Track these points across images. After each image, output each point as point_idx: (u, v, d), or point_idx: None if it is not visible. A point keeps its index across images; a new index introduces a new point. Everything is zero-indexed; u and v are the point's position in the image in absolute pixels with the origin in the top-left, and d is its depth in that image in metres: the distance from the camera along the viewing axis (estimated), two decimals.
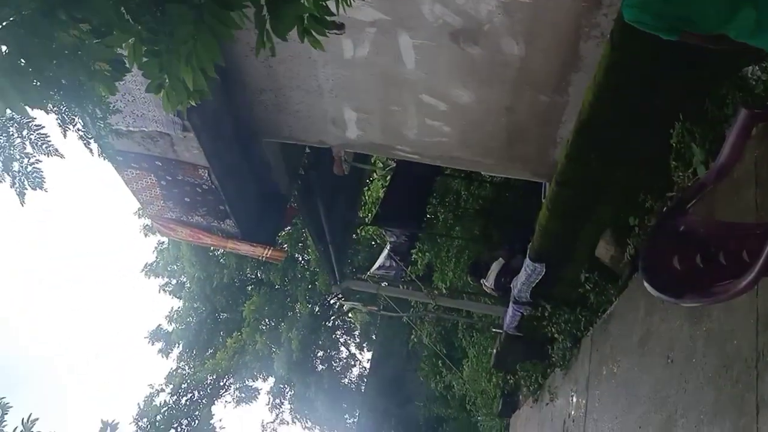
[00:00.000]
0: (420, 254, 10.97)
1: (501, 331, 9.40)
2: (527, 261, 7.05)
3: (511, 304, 8.08)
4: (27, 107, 1.64)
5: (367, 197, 12.50)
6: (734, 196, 3.83)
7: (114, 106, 2.76)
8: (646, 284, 2.42)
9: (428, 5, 4.67)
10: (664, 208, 2.48)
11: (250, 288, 18.43)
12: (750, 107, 2.29)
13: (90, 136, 2.35)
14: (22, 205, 2.18)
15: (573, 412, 7.56)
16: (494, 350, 10.28)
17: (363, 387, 21.72)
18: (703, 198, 2.39)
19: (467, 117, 5.60)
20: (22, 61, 1.53)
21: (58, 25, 1.53)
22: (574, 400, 7.58)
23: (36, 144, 2.17)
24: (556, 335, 7.79)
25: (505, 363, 10.12)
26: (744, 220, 3.58)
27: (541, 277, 7.00)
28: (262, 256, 7.12)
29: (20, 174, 2.15)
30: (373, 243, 14.93)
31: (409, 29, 4.91)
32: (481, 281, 8.53)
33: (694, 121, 4.30)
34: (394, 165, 10.69)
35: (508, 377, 10.81)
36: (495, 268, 8.16)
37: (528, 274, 7.08)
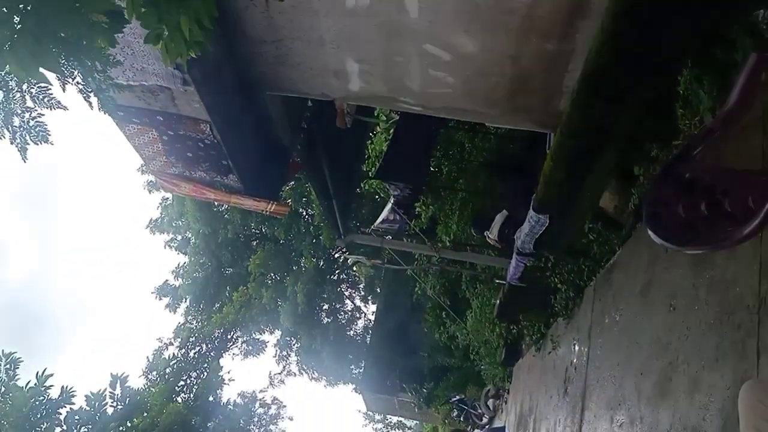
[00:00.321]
0: (424, 207, 10.98)
1: (504, 282, 9.49)
2: (531, 212, 7.04)
3: (514, 255, 8.12)
4: (44, 71, 1.61)
5: (370, 150, 12.44)
6: (742, 143, 3.80)
7: (114, 59, 2.72)
8: (649, 232, 2.42)
9: None
10: (670, 156, 2.46)
11: (254, 243, 18.57)
12: (761, 51, 2.24)
13: (90, 90, 2.32)
14: (24, 161, 2.16)
15: (575, 360, 7.70)
16: (497, 301, 10.40)
17: (368, 339, 22.11)
18: (709, 145, 2.36)
19: (471, 67, 5.51)
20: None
21: None
22: (576, 348, 7.71)
23: (37, 98, 2.14)
24: (559, 285, 7.86)
25: (509, 313, 10.25)
26: (751, 167, 3.55)
27: (544, 228, 7.00)
28: (266, 211, 7.14)
29: (21, 129, 2.12)
30: (376, 196, 14.93)
31: None
32: (485, 233, 8.55)
33: (702, 67, 4.23)
34: (397, 118, 10.60)
35: (512, 327, 10.97)
36: (498, 219, 8.17)
37: (531, 225, 7.09)
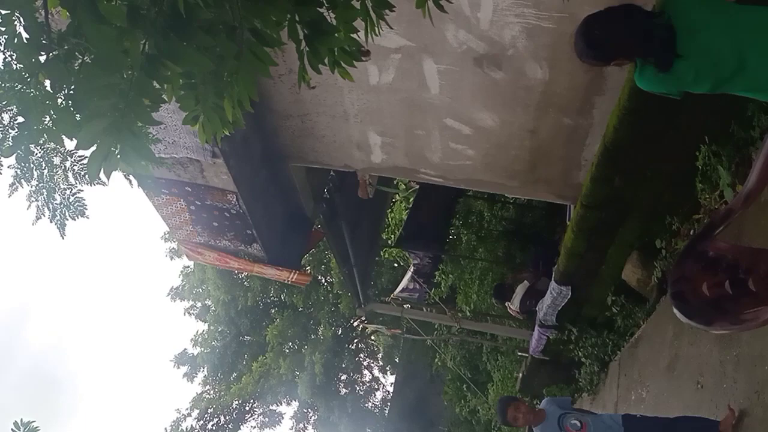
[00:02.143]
0: (443, 276, 10.95)
1: (527, 354, 9.32)
2: (553, 283, 7.02)
3: (536, 327, 8.03)
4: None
5: (390, 219, 12.55)
6: (762, 219, 3.80)
7: (154, 136, 2.85)
8: (675, 311, 2.43)
9: (452, 31, 4.75)
10: (692, 233, 2.49)
11: (273, 311, 18.52)
12: None
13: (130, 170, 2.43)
14: (63, 238, 2.24)
15: None
16: (520, 374, 10.17)
17: (386, 411, 21.56)
18: (730, 223, 2.40)
19: (491, 140, 5.64)
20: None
21: (163, 80, 1.61)
22: None
23: (79, 174, 2.24)
24: (583, 359, 7.71)
25: (532, 387, 10.00)
26: None
27: (567, 300, 6.95)
28: (288, 280, 7.19)
29: (61, 206, 2.21)
30: (396, 265, 14.94)
31: (434, 55, 4.99)
32: (506, 304, 8.48)
33: (720, 142, 4.29)
34: (417, 187, 10.75)
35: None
36: (520, 290, 8.12)
37: (554, 296, 7.04)
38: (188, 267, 18.00)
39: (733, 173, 4.16)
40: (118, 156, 1.55)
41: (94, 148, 1.53)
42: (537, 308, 7.81)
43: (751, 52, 2.30)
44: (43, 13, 2.38)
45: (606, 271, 6.32)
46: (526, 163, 5.80)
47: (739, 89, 2.43)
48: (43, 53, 2.33)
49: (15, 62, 2.13)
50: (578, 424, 4.23)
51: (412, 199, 11.33)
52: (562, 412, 4.37)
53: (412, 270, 11.95)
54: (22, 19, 2.35)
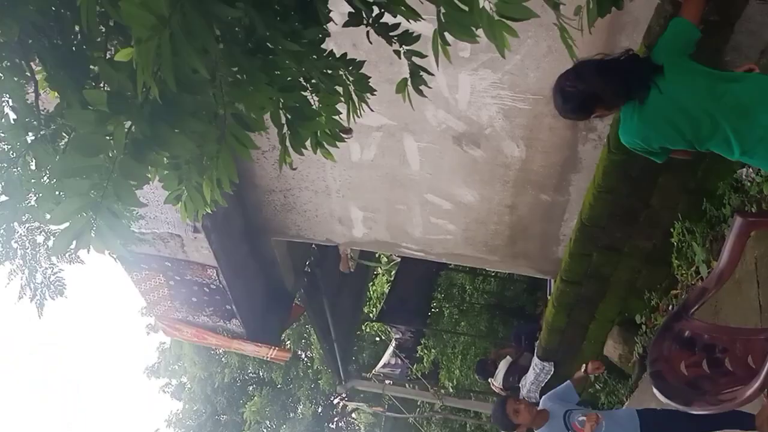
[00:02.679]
0: (426, 351, 10.83)
1: None
2: (535, 359, 6.97)
3: None
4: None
5: (372, 293, 12.49)
6: (738, 297, 3.86)
7: (137, 213, 2.86)
8: (655, 390, 2.43)
9: (432, 111, 4.90)
10: (671, 309, 2.54)
11: (251, 388, 18.00)
12: (745, 215, 2.38)
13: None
14: (40, 317, 2.20)
15: None
16: None
17: None
18: (706, 302, 2.44)
19: (471, 215, 5.72)
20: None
21: (149, 163, 1.64)
22: None
23: (61, 254, 2.23)
24: None
25: None
26: (748, 320, 3.60)
27: (550, 376, 6.89)
28: (267, 356, 7.06)
29: (42, 285, 2.19)
30: (377, 339, 14.75)
31: (414, 133, 5.13)
32: (489, 380, 8.37)
33: (693, 220, 4.40)
34: (399, 260, 10.77)
35: None
36: (503, 366, 8.04)
37: (537, 372, 6.98)
38: (164, 343, 17.60)
39: (708, 250, 4.25)
40: (93, 234, 1.55)
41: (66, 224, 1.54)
42: (520, 384, 7.71)
43: (726, 125, 2.38)
44: (33, 94, 2.43)
45: (588, 346, 6.30)
46: (506, 238, 5.88)
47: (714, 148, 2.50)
48: (30, 133, 2.37)
49: (2, 143, 2.16)
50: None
51: (393, 273, 11.33)
52: (567, 409, 3.89)
53: (393, 345, 11.82)
54: (11, 101, 2.40)
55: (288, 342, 14.39)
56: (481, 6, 1.57)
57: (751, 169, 4.01)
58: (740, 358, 2.28)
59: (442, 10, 1.58)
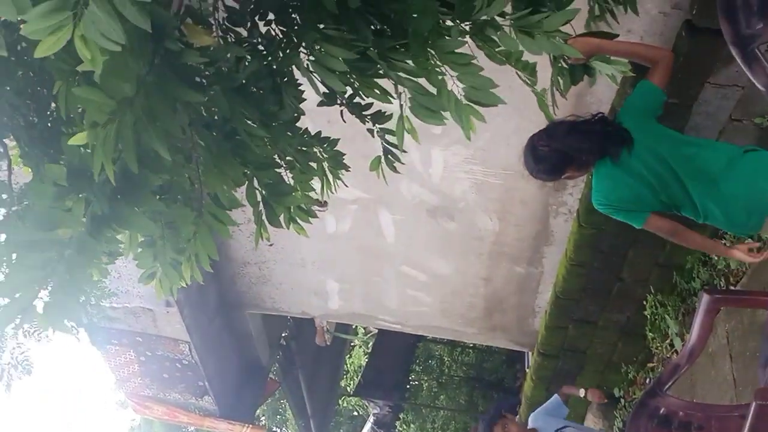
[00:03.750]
0: (405, 426, 10.59)
1: None
2: None
3: None
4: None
5: (349, 366, 12.26)
6: (712, 371, 3.87)
7: (108, 289, 2.82)
8: None
9: (406, 185, 4.98)
10: (647, 383, 2.55)
11: None
12: (711, 292, 2.43)
13: (79, 324, 2.38)
14: (8, 395, 2.13)
15: None
16: None
17: None
18: (681, 376, 2.45)
19: (446, 287, 5.73)
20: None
21: (105, 242, 1.63)
22: None
23: (29, 332, 2.18)
24: None
25: None
26: (724, 394, 3.60)
27: None
28: None
29: (9, 365, 2.13)
30: (355, 414, 14.37)
31: (389, 206, 5.19)
32: None
33: (664, 293, 4.46)
34: (376, 332, 10.65)
35: None
36: None
37: None
38: (134, 420, 16.93)
39: (681, 322, 4.28)
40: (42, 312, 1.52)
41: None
42: None
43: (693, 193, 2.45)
44: (6, 171, 2.44)
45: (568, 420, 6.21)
46: (482, 310, 5.87)
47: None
48: (2, 209, 2.36)
49: None
50: None
51: (371, 345, 11.18)
52: (557, 428, 3.70)
53: (372, 420, 11.52)
54: None
55: (263, 418, 13.95)
56: (449, 89, 1.64)
57: None
58: None
59: (408, 95, 1.63)
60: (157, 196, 2.05)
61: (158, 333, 5.61)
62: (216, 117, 1.89)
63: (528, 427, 3.81)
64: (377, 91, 1.80)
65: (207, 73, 1.66)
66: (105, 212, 1.58)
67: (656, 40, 3.65)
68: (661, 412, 2.40)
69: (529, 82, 1.89)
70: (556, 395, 4.05)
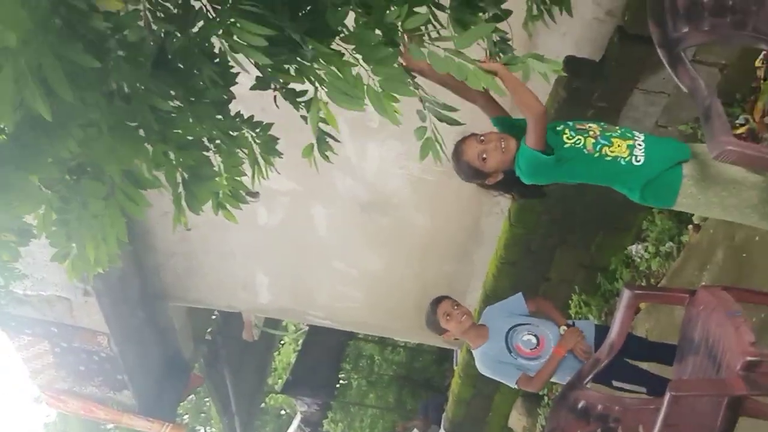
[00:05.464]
0: (332, 424, 10.53)
1: None
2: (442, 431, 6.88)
3: None
4: None
5: (277, 363, 12.09)
6: None
7: (19, 272, 2.63)
8: None
9: (340, 179, 4.93)
10: (564, 384, 2.59)
11: None
12: (632, 287, 2.49)
13: None
14: None
15: None
16: None
17: None
18: (599, 372, 2.51)
19: (377, 283, 5.71)
20: None
21: None
22: None
23: None
24: None
25: None
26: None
27: None
28: None
29: None
30: (282, 412, 14.19)
31: (322, 199, 5.12)
32: None
33: (589, 293, 4.59)
34: (306, 328, 10.54)
35: None
36: None
37: None
38: (49, 416, 16.13)
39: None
40: None
41: None
42: None
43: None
44: None
45: (493, 418, 6.31)
46: (412, 307, 5.87)
47: None
48: None
49: None
50: (534, 339, 2.94)
51: (300, 341, 11.06)
52: (511, 326, 3.02)
53: (299, 418, 11.39)
54: None
55: (186, 416, 13.58)
56: (365, 83, 1.61)
57: (640, 246, 4.25)
58: (632, 428, 2.34)
59: (325, 80, 1.59)
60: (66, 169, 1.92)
61: (75, 323, 5.33)
62: (117, 87, 1.77)
63: (479, 323, 3.21)
64: (292, 74, 1.74)
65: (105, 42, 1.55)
66: None
67: (590, 44, 3.74)
68: (581, 405, 2.44)
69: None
70: (520, 293, 3.28)
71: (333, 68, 1.55)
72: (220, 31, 1.57)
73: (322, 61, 1.55)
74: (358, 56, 1.60)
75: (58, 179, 2.00)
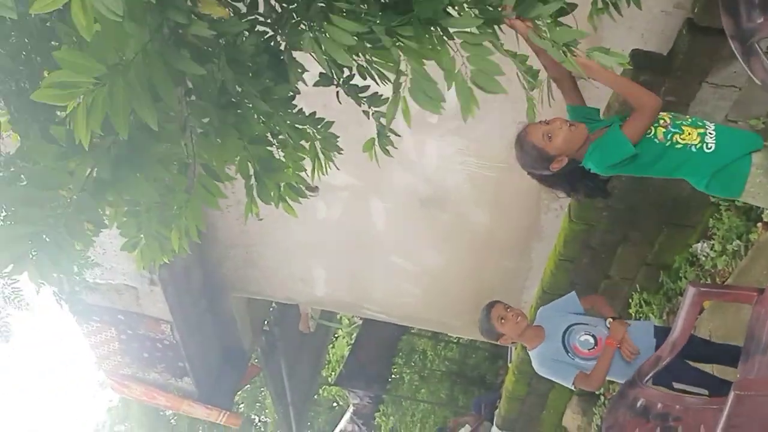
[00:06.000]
0: (384, 418, 10.59)
1: None
2: (494, 429, 6.85)
3: None
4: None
5: (331, 355, 12.25)
6: None
7: (92, 260, 2.78)
8: None
9: (399, 173, 4.96)
10: (624, 382, 2.55)
11: None
12: (697, 285, 2.44)
13: (63, 293, 2.35)
14: None
15: None
16: None
17: None
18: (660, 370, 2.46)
19: (435, 279, 5.72)
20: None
21: (105, 204, 1.60)
22: None
23: (9, 298, 2.15)
24: None
25: None
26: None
27: None
28: (218, 421, 6.79)
29: None
30: (335, 405, 14.36)
31: (381, 194, 5.16)
32: None
33: (650, 292, 4.48)
34: (360, 322, 10.64)
35: None
36: None
37: None
38: (112, 400, 16.80)
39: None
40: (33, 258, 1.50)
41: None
42: None
43: None
44: None
45: (547, 416, 6.23)
46: (469, 303, 5.86)
47: None
48: None
49: None
50: (591, 340, 2.88)
51: (354, 335, 11.17)
52: (567, 326, 2.98)
53: (351, 410, 11.53)
54: None
55: (242, 405, 13.91)
56: (456, 71, 1.63)
57: (705, 244, 4.13)
58: (693, 428, 2.29)
59: (410, 77, 1.61)
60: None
61: (141, 311, 5.56)
62: (210, 89, 1.86)
63: (534, 324, 3.16)
64: (391, 64, 1.77)
65: (209, 47, 1.63)
66: (106, 177, 1.56)
67: (657, 37, 3.66)
68: (640, 403, 2.41)
69: (525, 84, 1.89)
70: (573, 292, 3.28)
71: (422, 63, 1.57)
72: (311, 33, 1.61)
73: (404, 57, 1.57)
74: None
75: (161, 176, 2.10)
